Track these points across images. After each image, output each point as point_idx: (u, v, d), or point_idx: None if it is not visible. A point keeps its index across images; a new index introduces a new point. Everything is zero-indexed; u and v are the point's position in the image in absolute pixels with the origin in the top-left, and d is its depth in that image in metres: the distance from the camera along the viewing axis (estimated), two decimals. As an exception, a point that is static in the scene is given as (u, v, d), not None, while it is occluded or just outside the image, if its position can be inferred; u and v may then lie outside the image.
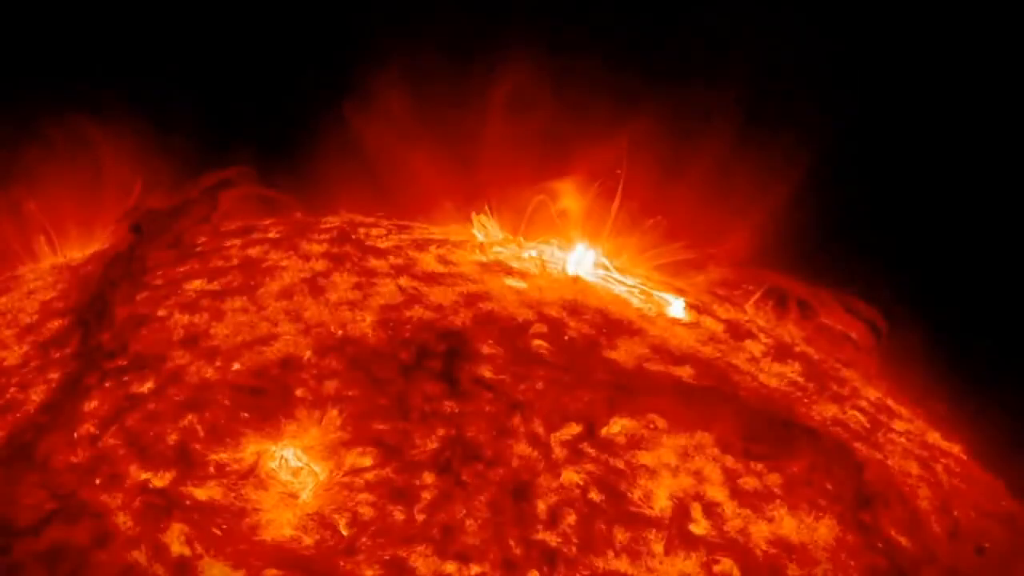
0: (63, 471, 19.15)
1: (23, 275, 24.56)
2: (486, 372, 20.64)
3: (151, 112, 27.56)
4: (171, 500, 18.69)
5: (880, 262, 26.25)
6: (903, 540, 20.38)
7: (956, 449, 23.87)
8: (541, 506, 19.10)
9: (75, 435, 19.57)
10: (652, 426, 20.32)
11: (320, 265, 22.55)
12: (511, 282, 22.83)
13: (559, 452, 19.73)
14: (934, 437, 23.89)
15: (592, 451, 19.86)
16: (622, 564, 18.71)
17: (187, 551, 18.18)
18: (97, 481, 18.98)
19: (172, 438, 19.41)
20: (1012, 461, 24.06)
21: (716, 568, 18.98)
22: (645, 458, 19.94)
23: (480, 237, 24.66)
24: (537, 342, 21.34)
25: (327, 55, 29.21)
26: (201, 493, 18.80)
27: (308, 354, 20.57)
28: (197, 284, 22.05)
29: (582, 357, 21.33)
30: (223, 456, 19.19)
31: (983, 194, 26.02)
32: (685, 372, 21.59)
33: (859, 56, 26.60)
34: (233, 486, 18.88)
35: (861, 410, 22.92)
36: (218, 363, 20.43)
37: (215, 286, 21.95)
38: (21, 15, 28.61)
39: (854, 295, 25.14)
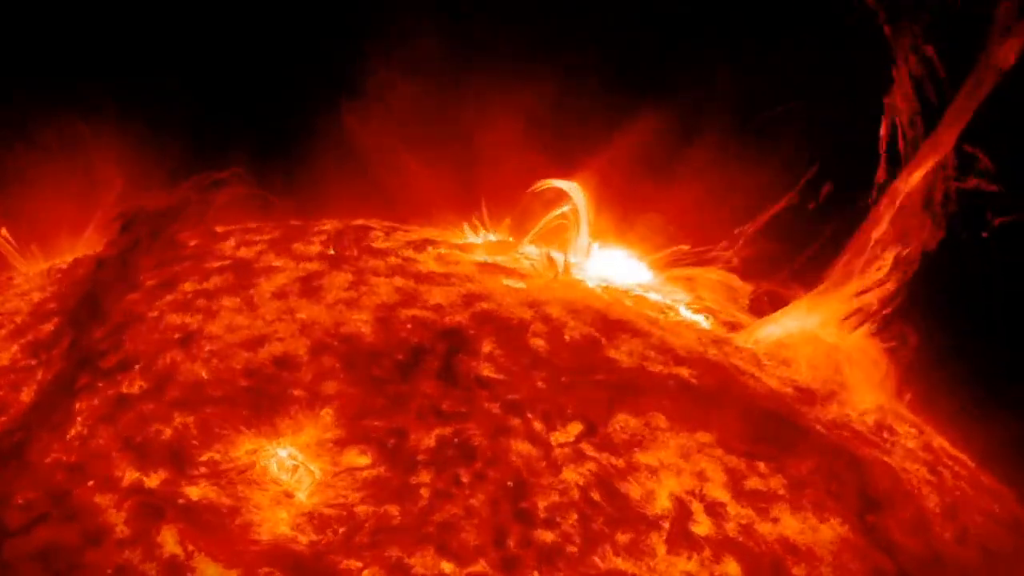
0: (55, 471, 18.95)
1: (14, 276, 24.43)
2: (485, 371, 20.49)
3: (144, 112, 27.45)
4: (164, 500, 18.49)
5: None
6: (908, 543, 20.18)
7: (962, 455, 23.72)
8: (541, 505, 18.91)
9: (67, 435, 19.36)
10: (653, 425, 20.14)
11: (315, 265, 22.43)
12: (510, 282, 22.72)
13: (559, 451, 19.56)
14: (940, 442, 23.76)
15: (592, 450, 19.70)
16: (623, 564, 18.51)
17: (180, 551, 17.95)
18: (90, 481, 18.78)
19: (165, 438, 19.19)
20: (1020, 468, 23.91)
21: (718, 568, 18.79)
22: (646, 457, 19.79)
23: (479, 238, 24.54)
24: (537, 341, 21.19)
25: (324, 56, 29.07)
26: (195, 492, 18.61)
27: (303, 353, 20.41)
28: (190, 284, 21.89)
29: (582, 356, 21.19)
30: (217, 455, 19.01)
31: (986, 193, 25.83)
32: (687, 372, 21.44)
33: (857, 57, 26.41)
34: (227, 485, 18.69)
35: (866, 412, 22.73)
36: (212, 362, 20.26)
37: (209, 286, 21.81)
38: (14, 14, 28.48)
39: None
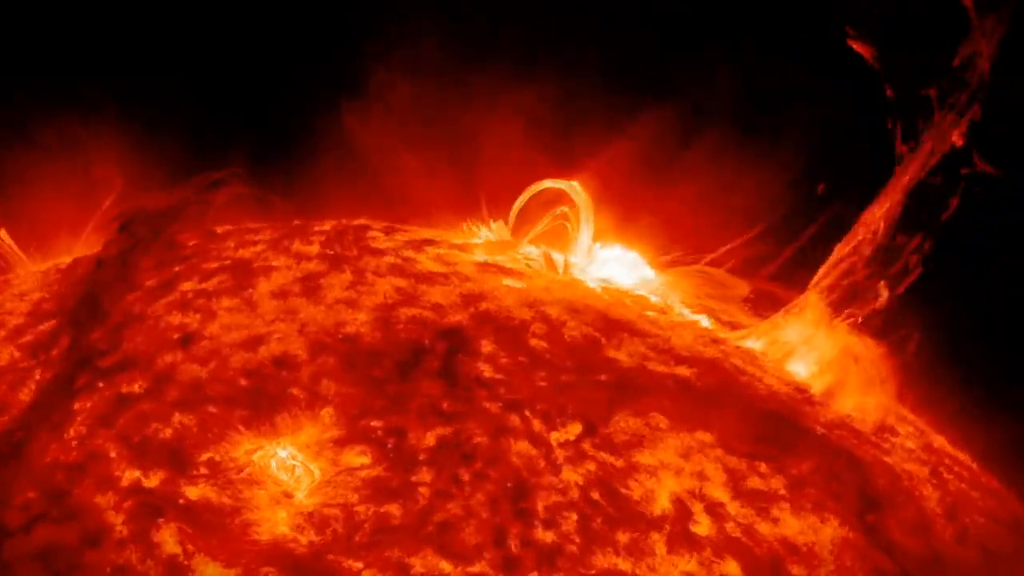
0: (54, 471, 18.90)
1: (13, 277, 24.38)
2: (485, 371, 20.44)
3: (144, 112, 27.43)
4: (163, 499, 18.43)
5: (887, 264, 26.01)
6: (908, 543, 20.14)
7: (963, 455, 23.70)
8: (541, 505, 18.86)
9: (66, 435, 19.30)
10: (653, 425, 20.10)
11: (315, 265, 22.38)
12: (510, 282, 22.66)
13: (559, 451, 19.52)
14: (940, 442, 23.75)
15: (592, 450, 19.66)
16: (623, 564, 18.46)
17: (179, 551, 17.91)
18: (89, 481, 18.70)
19: (164, 437, 19.14)
20: (1020, 468, 23.89)
21: (718, 568, 18.74)
22: (646, 457, 19.74)
23: (479, 238, 24.50)
24: (537, 341, 21.14)
25: (324, 56, 29.06)
26: (194, 492, 18.56)
27: (303, 353, 20.35)
28: (189, 284, 21.85)
29: (582, 356, 21.14)
30: (216, 455, 18.95)
31: (986, 193, 25.83)
32: (687, 372, 21.41)
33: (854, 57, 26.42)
34: (226, 485, 18.63)
35: (866, 412, 22.69)
36: (211, 362, 20.20)
37: (208, 286, 21.76)
38: (12, 14, 28.47)
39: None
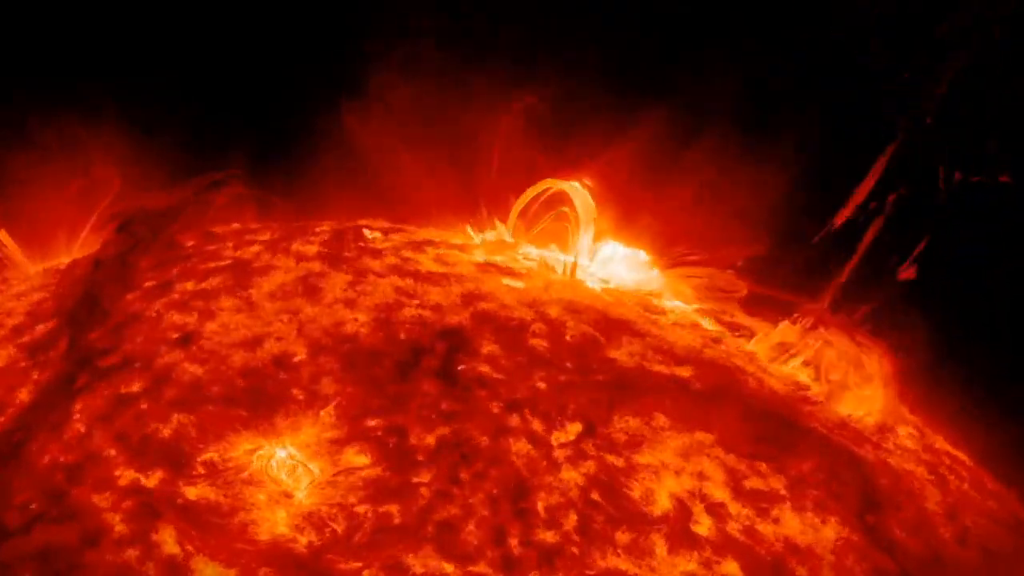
0: (54, 471, 18.88)
1: (11, 277, 24.35)
2: (485, 371, 20.42)
3: (144, 112, 27.38)
4: (163, 500, 18.40)
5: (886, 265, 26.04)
6: (909, 543, 20.14)
7: (963, 455, 23.69)
8: (541, 505, 18.84)
9: (65, 435, 19.28)
10: (654, 425, 20.08)
11: (314, 266, 22.37)
12: (509, 282, 22.65)
13: (559, 451, 19.50)
14: (940, 442, 23.71)
15: (593, 450, 19.65)
16: (624, 564, 18.44)
17: (179, 551, 17.89)
18: (88, 481, 18.69)
19: (163, 437, 19.13)
20: (1020, 468, 23.86)
21: (719, 568, 18.72)
22: (646, 457, 19.73)
23: (479, 238, 24.49)
24: (537, 341, 21.13)
25: (324, 56, 29.02)
26: (193, 492, 18.54)
27: (302, 353, 20.33)
28: (189, 284, 21.84)
29: (582, 356, 21.14)
30: (215, 455, 18.93)
31: (986, 195, 25.86)
32: (687, 372, 21.39)
33: (854, 57, 26.45)
34: (226, 485, 18.62)
35: (867, 413, 22.70)
36: (210, 362, 20.17)
37: (207, 286, 21.74)
38: (14, 14, 28.44)
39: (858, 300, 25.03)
